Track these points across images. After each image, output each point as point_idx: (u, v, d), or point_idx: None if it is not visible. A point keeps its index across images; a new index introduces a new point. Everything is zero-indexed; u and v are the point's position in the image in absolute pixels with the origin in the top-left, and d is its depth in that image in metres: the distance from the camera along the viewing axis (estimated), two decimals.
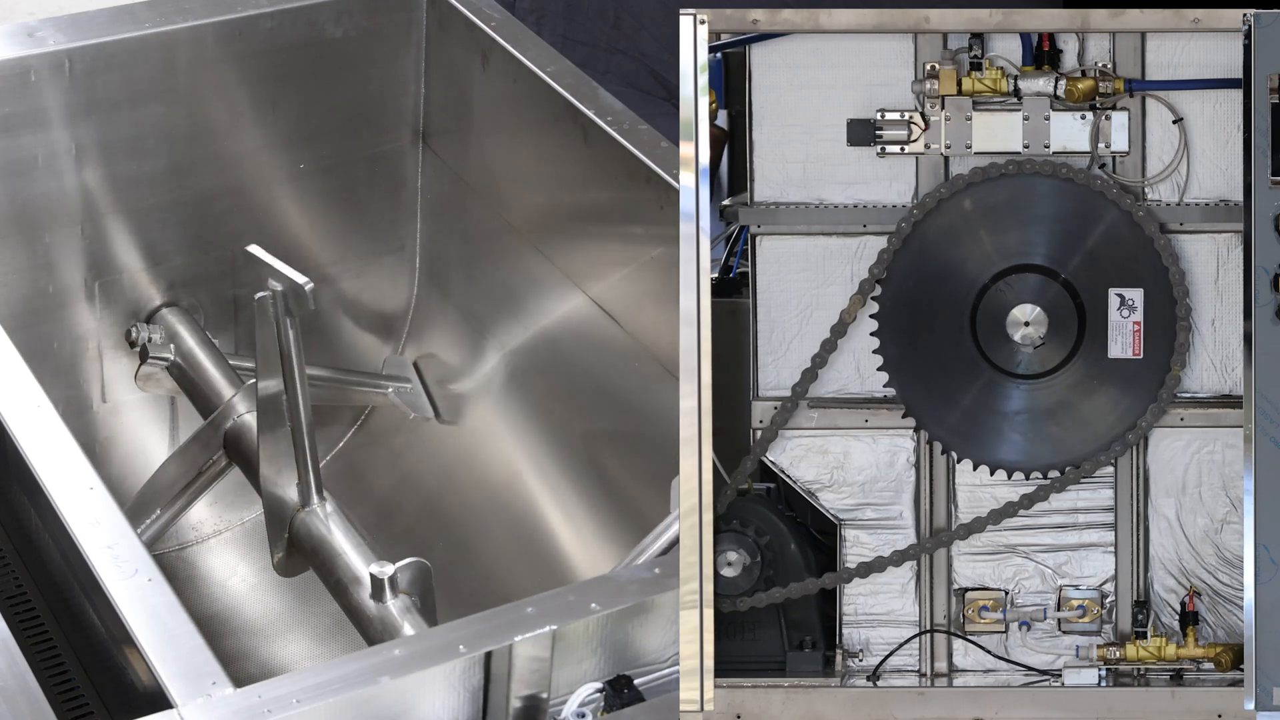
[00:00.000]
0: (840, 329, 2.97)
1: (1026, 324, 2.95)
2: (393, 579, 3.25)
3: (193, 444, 3.77)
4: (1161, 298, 2.94)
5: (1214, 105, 2.96)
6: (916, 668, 3.02)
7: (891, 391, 2.98)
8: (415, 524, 4.22)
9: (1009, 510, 2.98)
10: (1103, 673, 2.99)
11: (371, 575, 3.25)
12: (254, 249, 3.30)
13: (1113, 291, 2.94)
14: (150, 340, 3.99)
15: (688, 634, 2.82)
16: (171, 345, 3.98)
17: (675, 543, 3.11)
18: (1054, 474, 2.98)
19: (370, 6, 4.00)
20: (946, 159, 2.99)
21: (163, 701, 2.50)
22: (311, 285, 3.25)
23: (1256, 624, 2.83)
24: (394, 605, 3.26)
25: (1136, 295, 2.93)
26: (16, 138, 3.74)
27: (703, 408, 2.89)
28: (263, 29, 3.89)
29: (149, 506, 3.76)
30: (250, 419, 3.73)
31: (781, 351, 3.01)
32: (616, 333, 3.76)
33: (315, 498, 3.49)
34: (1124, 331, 2.93)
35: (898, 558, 2.99)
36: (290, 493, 3.48)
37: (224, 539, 4.25)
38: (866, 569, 2.99)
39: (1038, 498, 2.98)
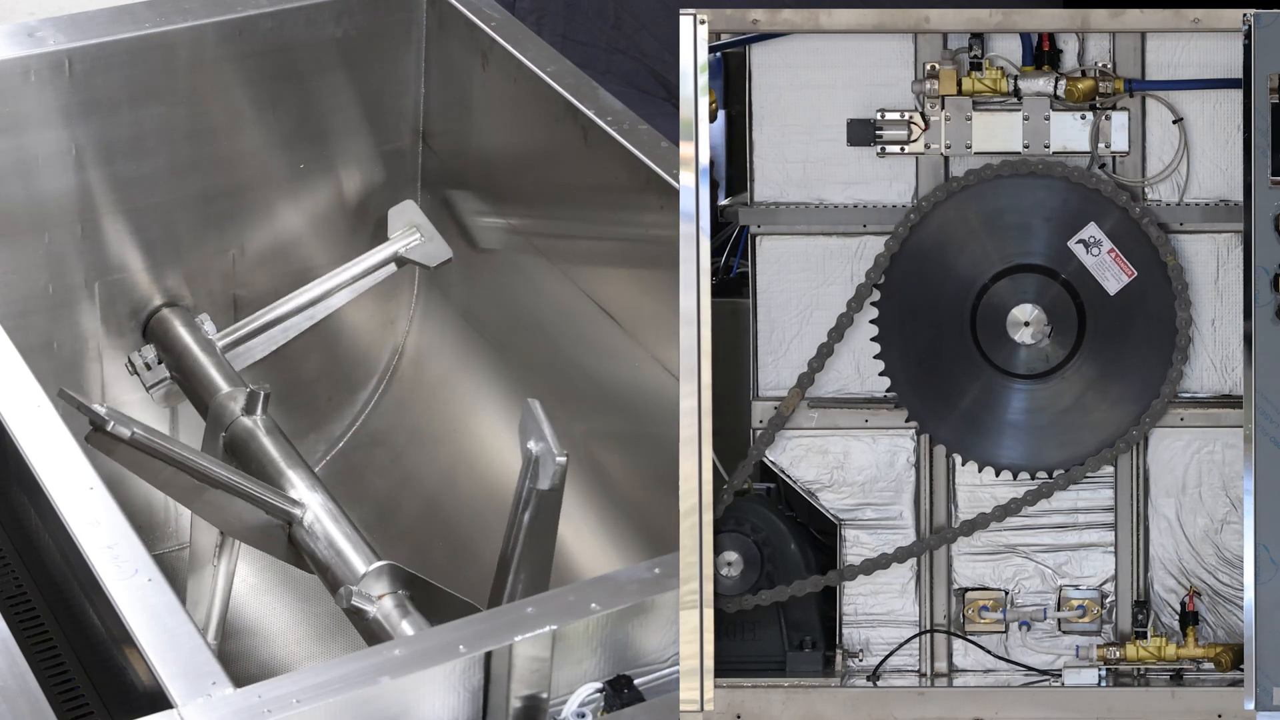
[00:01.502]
0: (822, 354, 2.97)
1: (1026, 324, 2.95)
2: (362, 595, 3.26)
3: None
4: (1161, 298, 2.94)
5: (1214, 105, 2.96)
6: (916, 668, 3.02)
7: (892, 391, 2.98)
8: (415, 524, 4.21)
9: (1009, 510, 2.98)
10: (1103, 673, 2.99)
11: (344, 610, 3.26)
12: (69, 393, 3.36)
13: (1070, 244, 2.93)
14: (148, 366, 3.99)
15: (688, 634, 2.82)
16: (164, 361, 3.99)
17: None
18: (1054, 474, 2.98)
19: (370, 6, 3.99)
20: (946, 159, 2.99)
21: (163, 701, 2.50)
22: (131, 434, 3.32)
23: (1256, 624, 2.83)
24: (385, 606, 3.26)
25: (1091, 231, 2.93)
26: (16, 138, 3.74)
27: (703, 408, 2.89)
28: (263, 29, 3.89)
29: (204, 593, 3.75)
30: (245, 422, 3.73)
31: (781, 351, 3.01)
32: (616, 333, 3.76)
33: (295, 512, 3.49)
34: (1105, 264, 2.93)
35: (900, 555, 2.99)
36: (269, 520, 3.48)
37: (223, 539, 4.24)
38: (867, 567, 2.99)
39: (1037, 497, 2.98)
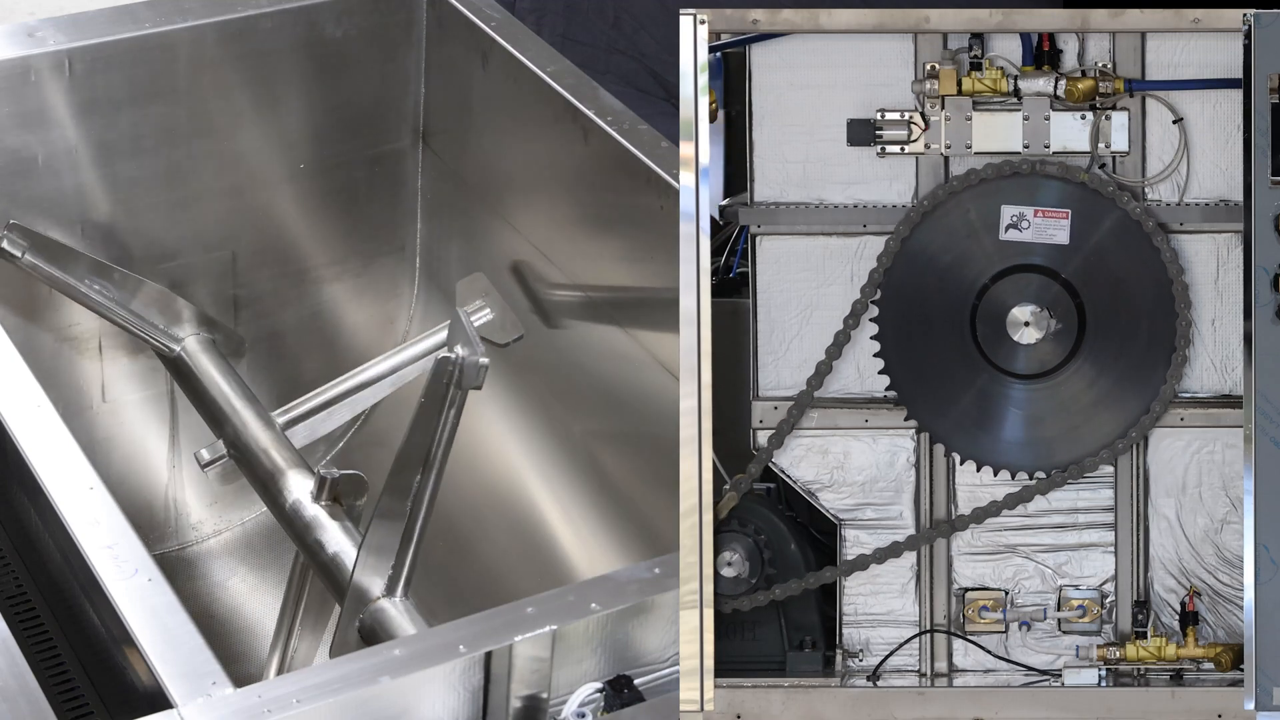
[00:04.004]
0: (839, 341, 2.97)
1: (1026, 324, 2.95)
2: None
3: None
4: (1161, 298, 2.94)
5: (1214, 105, 2.96)
6: (916, 668, 3.02)
7: (892, 391, 2.98)
8: None
9: (1008, 506, 2.98)
10: (1103, 673, 2.99)
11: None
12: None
13: (1002, 237, 2.93)
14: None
15: (688, 634, 2.82)
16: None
17: None
18: (1054, 473, 2.98)
19: (370, 6, 4.00)
20: (946, 159, 2.99)
21: (163, 701, 2.50)
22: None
23: (1256, 624, 2.83)
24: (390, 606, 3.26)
25: (1009, 214, 2.93)
26: (16, 137, 3.74)
27: (703, 408, 2.89)
28: (263, 29, 3.89)
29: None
30: (256, 430, 3.73)
31: (781, 351, 3.01)
32: (616, 333, 3.76)
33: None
34: (1040, 226, 2.92)
35: (898, 549, 2.99)
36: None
37: (224, 539, 4.24)
38: (864, 562, 2.99)
39: (1035, 495, 2.98)
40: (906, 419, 2.98)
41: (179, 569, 4.16)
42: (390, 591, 3.22)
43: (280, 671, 3.45)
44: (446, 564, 4.01)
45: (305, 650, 3.54)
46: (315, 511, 3.51)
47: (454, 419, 3.17)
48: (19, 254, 3.71)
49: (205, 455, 3.73)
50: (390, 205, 4.22)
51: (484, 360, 3.08)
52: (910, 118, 2.98)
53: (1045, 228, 2.92)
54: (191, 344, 3.88)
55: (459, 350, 3.11)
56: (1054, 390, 2.97)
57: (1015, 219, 2.91)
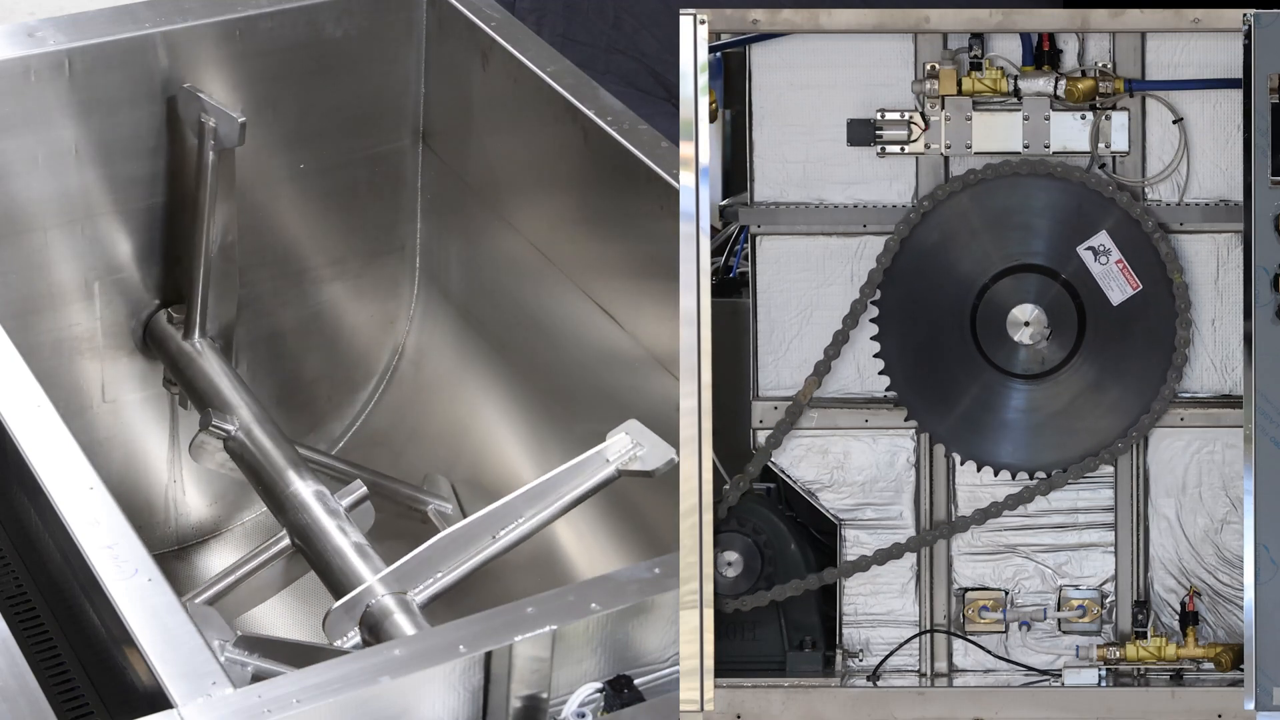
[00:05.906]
0: (837, 342, 2.98)
1: (1026, 324, 2.96)
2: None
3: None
4: (1161, 298, 2.95)
5: (1214, 105, 2.96)
6: (916, 668, 3.02)
7: (891, 391, 2.98)
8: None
9: (1004, 507, 2.98)
10: (1103, 673, 2.99)
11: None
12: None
13: (1080, 250, 2.94)
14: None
15: (688, 634, 2.82)
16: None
17: None
18: (1054, 473, 2.98)
19: (370, 6, 3.99)
20: (946, 159, 2.99)
21: (163, 701, 2.50)
22: None
23: (1256, 624, 2.83)
24: (385, 605, 3.26)
25: (1101, 239, 2.93)
26: (16, 138, 3.74)
27: (703, 408, 2.89)
28: (263, 29, 3.89)
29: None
30: (257, 428, 3.74)
31: (781, 351, 3.01)
32: (616, 333, 3.76)
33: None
34: (1111, 274, 2.93)
35: (892, 552, 2.99)
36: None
37: (224, 539, 4.25)
38: (864, 563, 2.99)
39: (1035, 495, 2.98)
40: (906, 419, 2.98)
41: (179, 569, 4.16)
42: (415, 590, 3.30)
43: (218, 594, 3.59)
44: None
45: (249, 595, 3.63)
46: (333, 506, 3.54)
47: (591, 489, 3.37)
48: (230, 146, 3.75)
49: (209, 422, 3.75)
50: (390, 205, 4.22)
51: (673, 458, 3.26)
52: (910, 118, 2.98)
53: (1111, 276, 2.92)
54: (199, 344, 3.90)
55: (644, 443, 3.34)
56: (1054, 390, 2.97)
57: (1101, 248, 2.90)
